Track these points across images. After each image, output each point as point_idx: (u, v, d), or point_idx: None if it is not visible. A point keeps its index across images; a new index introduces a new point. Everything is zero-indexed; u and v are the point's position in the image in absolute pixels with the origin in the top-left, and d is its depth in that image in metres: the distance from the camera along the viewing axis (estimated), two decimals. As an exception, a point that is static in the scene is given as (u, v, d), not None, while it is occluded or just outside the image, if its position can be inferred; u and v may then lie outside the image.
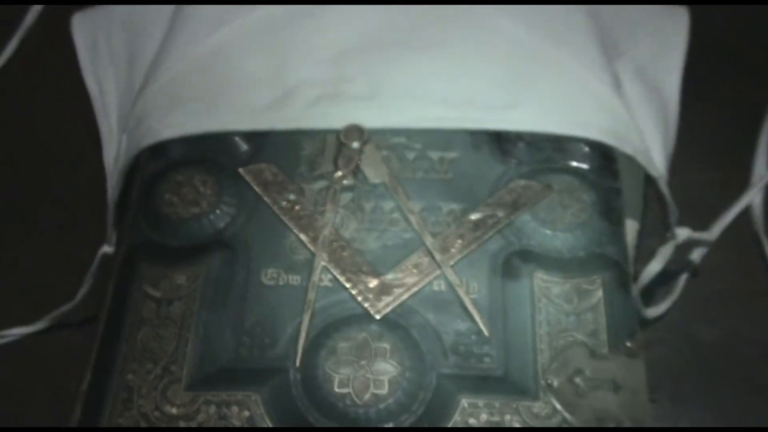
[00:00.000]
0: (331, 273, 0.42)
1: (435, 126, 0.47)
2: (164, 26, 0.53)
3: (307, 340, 0.40)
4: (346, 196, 0.45)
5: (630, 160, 0.46)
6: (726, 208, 0.53)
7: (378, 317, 0.41)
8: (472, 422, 0.38)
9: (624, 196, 0.46)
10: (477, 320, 0.41)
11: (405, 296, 0.42)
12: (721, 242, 0.51)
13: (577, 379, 0.39)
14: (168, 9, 0.55)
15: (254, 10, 0.52)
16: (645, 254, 0.47)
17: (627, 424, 0.38)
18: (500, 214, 0.44)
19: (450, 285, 0.42)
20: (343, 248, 0.43)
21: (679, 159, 0.52)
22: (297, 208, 0.45)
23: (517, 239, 0.43)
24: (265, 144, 0.47)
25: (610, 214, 0.44)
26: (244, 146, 0.47)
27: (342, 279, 0.42)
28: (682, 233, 0.46)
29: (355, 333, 0.41)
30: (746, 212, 0.53)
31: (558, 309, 0.41)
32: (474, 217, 0.44)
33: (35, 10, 0.67)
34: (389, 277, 0.42)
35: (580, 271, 0.42)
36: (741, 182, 0.55)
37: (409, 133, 0.47)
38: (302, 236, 0.44)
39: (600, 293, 0.42)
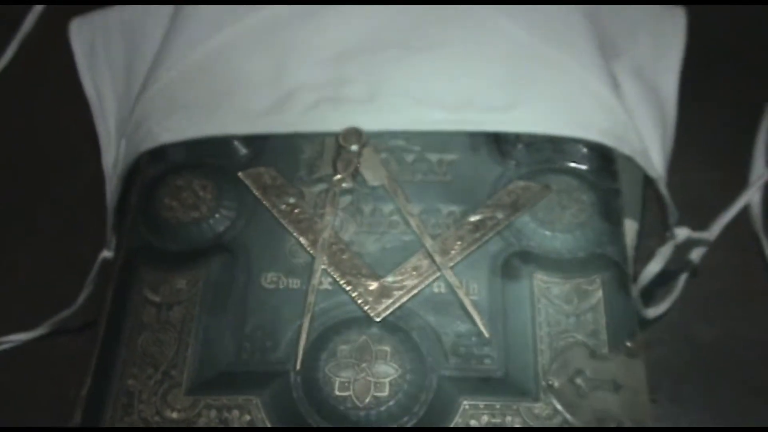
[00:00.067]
0: (331, 276, 0.42)
1: (434, 128, 0.47)
2: (162, 30, 0.53)
3: (308, 343, 0.40)
4: (346, 199, 0.45)
5: (629, 160, 0.46)
6: (725, 208, 0.52)
7: (378, 320, 0.41)
8: (473, 424, 0.38)
9: (623, 197, 0.46)
10: (477, 322, 0.41)
11: (405, 298, 0.42)
12: (720, 242, 0.51)
13: (578, 380, 0.39)
14: (166, 13, 0.55)
15: (253, 12, 0.52)
16: (644, 254, 0.47)
17: (627, 424, 0.38)
18: (500, 215, 0.44)
19: (450, 287, 0.42)
20: (342, 251, 0.43)
21: (678, 159, 0.52)
22: (296, 211, 0.45)
23: (517, 240, 0.43)
24: (264, 148, 0.47)
25: (610, 214, 0.44)
26: (243, 150, 0.47)
27: (342, 282, 0.42)
28: (682, 233, 0.46)
29: (355, 336, 0.41)
30: (745, 211, 0.53)
31: (558, 310, 0.41)
32: (473, 218, 0.44)
33: (36, 10, 0.67)
34: (389, 279, 0.42)
35: (579, 272, 0.42)
36: (740, 182, 0.55)
37: (408, 136, 0.47)
38: (302, 239, 0.44)
39: (600, 293, 0.42)
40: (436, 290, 0.42)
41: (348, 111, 0.47)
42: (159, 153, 0.47)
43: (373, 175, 0.46)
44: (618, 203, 0.45)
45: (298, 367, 0.40)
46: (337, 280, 0.42)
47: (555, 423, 0.38)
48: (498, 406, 0.38)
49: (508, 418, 0.38)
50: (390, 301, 0.42)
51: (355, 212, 0.45)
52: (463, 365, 0.40)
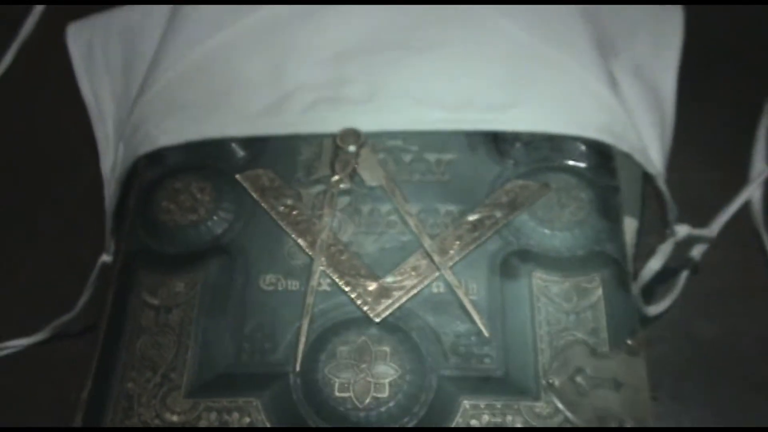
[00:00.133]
0: (330, 277, 0.42)
1: (433, 128, 0.47)
2: (160, 32, 0.53)
3: (307, 344, 0.40)
4: (344, 200, 0.45)
5: (628, 158, 0.46)
6: (726, 205, 0.52)
7: (377, 320, 0.41)
8: (474, 423, 0.38)
9: (623, 194, 0.46)
10: (477, 321, 0.41)
11: (404, 299, 0.42)
12: (721, 239, 0.50)
13: (578, 378, 0.39)
14: (163, 15, 0.55)
15: (252, 12, 0.52)
16: (645, 252, 0.47)
17: (629, 422, 0.38)
18: (498, 214, 0.44)
19: (449, 286, 0.42)
20: (341, 252, 0.43)
21: (678, 159, 0.52)
22: (294, 213, 0.45)
23: (516, 239, 0.43)
24: (262, 150, 0.47)
25: (608, 211, 0.44)
26: (241, 152, 0.47)
27: (341, 283, 0.42)
28: (682, 230, 0.46)
29: (354, 337, 0.40)
30: (746, 208, 0.53)
31: (557, 308, 0.41)
32: (472, 218, 0.44)
33: (36, 11, 0.67)
34: (388, 280, 0.42)
35: (579, 270, 0.42)
36: (740, 182, 0.54)
37: (406, 136, 0.47)
38: (300, 241, 0.44)
39: (599, 291, 0.41)
40: (435, 290, 0.42)
41: (347, 111, 0.47)
42: (157, 156, 0.47)
43: (371, 175, 0.46)
44: (617, 200, 0.45)
45: (297, 368, 0.40)
46: (336, 281, 0.42)
47: (556, 422, 0.38)
48: (499, 406, 0.38)
49: (509, 418, 0.38)
50: (389, 301, 0.41)
51: (353, 213, 0.45)
52: (463, 365, 0.40)
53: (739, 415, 0.46)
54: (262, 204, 0.45)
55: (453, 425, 0.38)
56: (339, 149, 0.46)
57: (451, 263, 0.42)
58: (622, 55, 0.53)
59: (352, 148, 0.46)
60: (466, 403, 0.38)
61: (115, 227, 0.47)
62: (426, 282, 0.42)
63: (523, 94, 0.48)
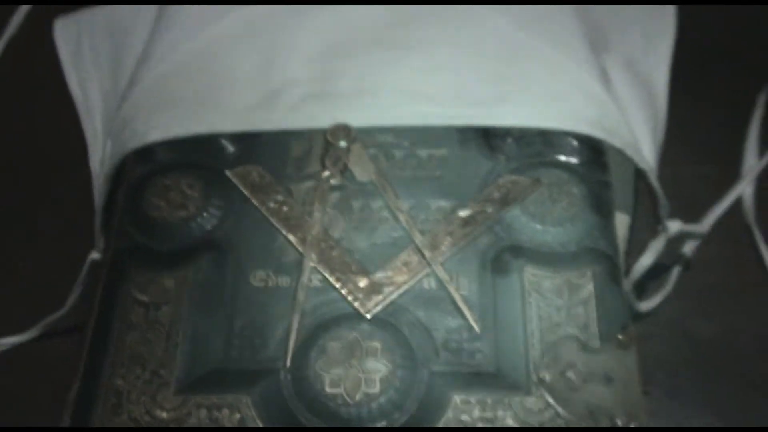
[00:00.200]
0: (321, 273, 0.42)
1: (424, 123, 0.47)
2: (149, 27, 0.53)
3: (298, 341, 0.40)
4: (335, 196, 0.45)
5: (620, 154, 0.46)
6: (718, 201, 0.52)
7: (368, 316, 0.41)
8: (465, 419, 0.38)
9: (615, 190, 0.45)
10: (468, 317, 0.41)
11: (395, 295, 0.41)
12: (713, 235, 0.50)
13: (569, 373, 0.39)
14: (152, 10, 0.54)
15: (240, 8, 0.52)
16: (637, 248, 0.47)
17: (620, 417, 0.38)
18: (489, 210, 0.44)
19: (440, 282, 0.42)
20: (332, 248, 0.43)
21: (671, 154, 0.52)
22: (285, 209, 0.44)
23: (507, 235, 0.43)
24: (252, 146, 0.47)
25: (600, 207, 0.44)
26: (230, 148, 0.47)
27: (331, 279, 0.42)
28: (674, 226, 0.46)
29: (345, 333, 0.40)
30: (738, 204, 0.53)
31: (549, 303, 0.41)
32: (463, 213, 0.44)
33: (22, 10, 0.67)
34: (379, 275, 0.42)
35: (570, 265, 0.42)
36: (732, 177, 0.55)
37: (397, 131, 0.47)
38: (291, 237, 0.43)
39: (591, 287, 0.41)
40: (426, 286, 0.42)
41: (336, 107, 0.47)
42: (145, 152, 0.47)
43: (361, 171, 0.45)
44: (609, 196, 0.45)
45: (288, 364, 0.39)
46: (327, 277, 0.42)
47: (547, 417, 0.38)
48: (489, 401, 0.38)
49: (500, 413, 0.38)
50: (380, 297, 0.41)
51: (344, 209, 0.44)
52: (454, 360, 0.39)
53: (736, 413, 0.46)
54: (253, 200, 0.45)
55: (443, 421, 0.38)
56: (329, 145, 0.46)
57: (442, 259, 0.42)
58: (614, 50, 0.53)
59: (342, 144, 0.46)
60: (457, 399, 0.38)
61: (104, 224, 0.47)
62: (417, 278, 0.42)
63: (514, 90, 0.47)
